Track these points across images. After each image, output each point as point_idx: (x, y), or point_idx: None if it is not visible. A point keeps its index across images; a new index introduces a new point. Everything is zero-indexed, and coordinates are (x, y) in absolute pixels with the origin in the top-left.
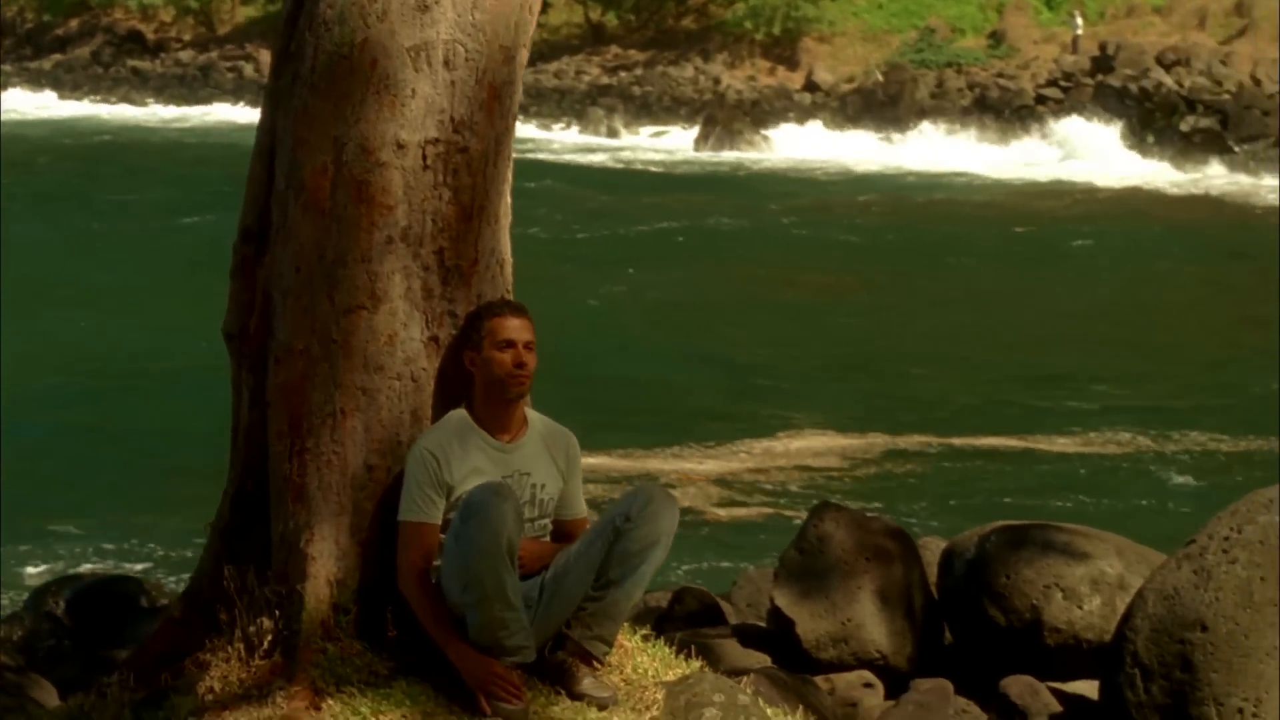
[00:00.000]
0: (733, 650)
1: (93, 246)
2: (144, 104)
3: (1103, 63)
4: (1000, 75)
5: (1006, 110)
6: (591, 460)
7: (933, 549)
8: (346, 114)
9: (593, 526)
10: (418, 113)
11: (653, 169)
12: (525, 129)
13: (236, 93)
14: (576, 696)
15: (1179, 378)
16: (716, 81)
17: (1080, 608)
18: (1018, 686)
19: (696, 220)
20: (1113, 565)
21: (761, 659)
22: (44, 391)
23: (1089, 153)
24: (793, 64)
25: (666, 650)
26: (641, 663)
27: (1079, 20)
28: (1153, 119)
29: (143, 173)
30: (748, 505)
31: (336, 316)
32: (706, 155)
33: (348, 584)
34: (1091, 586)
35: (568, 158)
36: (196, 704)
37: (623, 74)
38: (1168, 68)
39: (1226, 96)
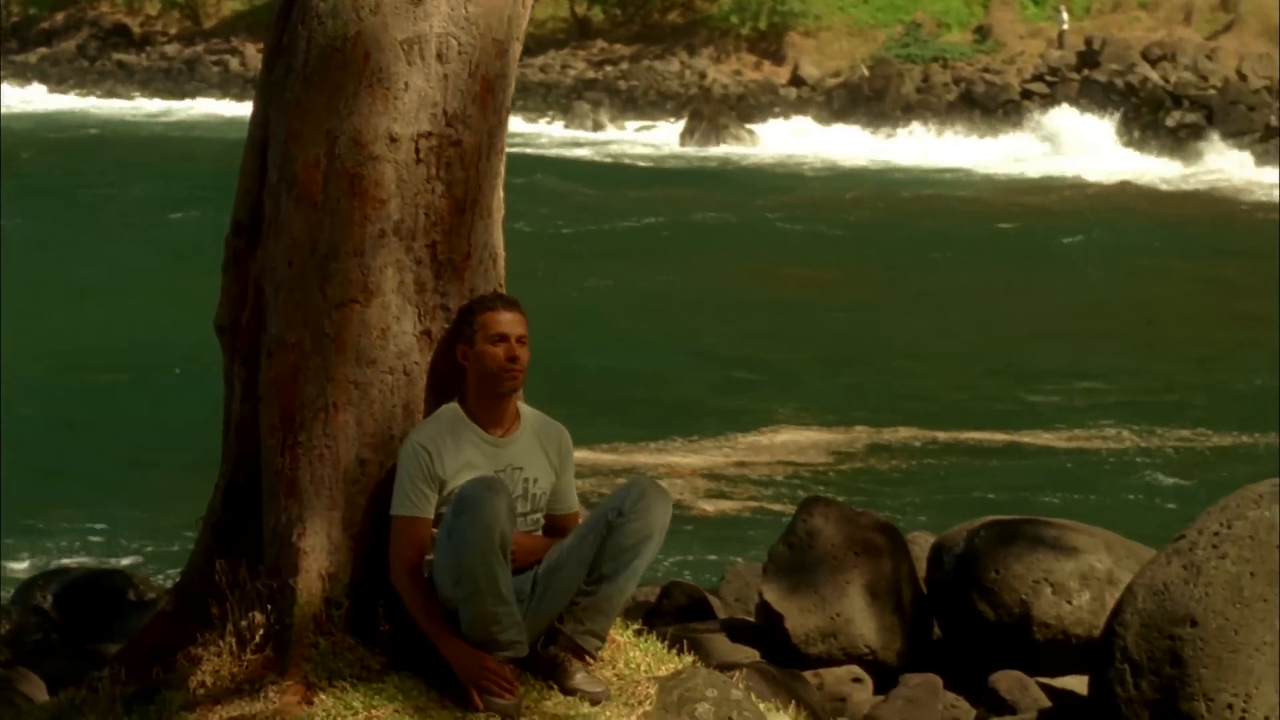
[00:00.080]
0: (721, 645)
1: (79, 240)
2: (130, 98)
3: (1088, 58)
4: (986, 70)
5: (992, 105)
6: (576, 454)
7: (921, 544)
8: (339, 107)
9: (585, 521)
10: (410, 106)
11: (638, 163)
12: (511, 123)
13: (222, 87)
14: (569, 691)
15: (1167, 372)
16: (702, 76)
17: (1069, 603)
18: (1007, 681)
19: (682, 215)
20: (1102, 560)
21: (750, 654)
22: (32, 385)
23: (1075, 148)
24: (778, 58)
25: (659, 645)
26: (634, 658)
27: (1065, 15)
28: (1138, 114)
29: (129, 167)
30: (734, 499)
31: (329, 310)
32: (692, 150)
33: (340, 578)
34: (1081, 581)
35: (553, 152)
36: (188, 698)
37: (608, 68)
38: (1153, 63)
39: (1212, 92)
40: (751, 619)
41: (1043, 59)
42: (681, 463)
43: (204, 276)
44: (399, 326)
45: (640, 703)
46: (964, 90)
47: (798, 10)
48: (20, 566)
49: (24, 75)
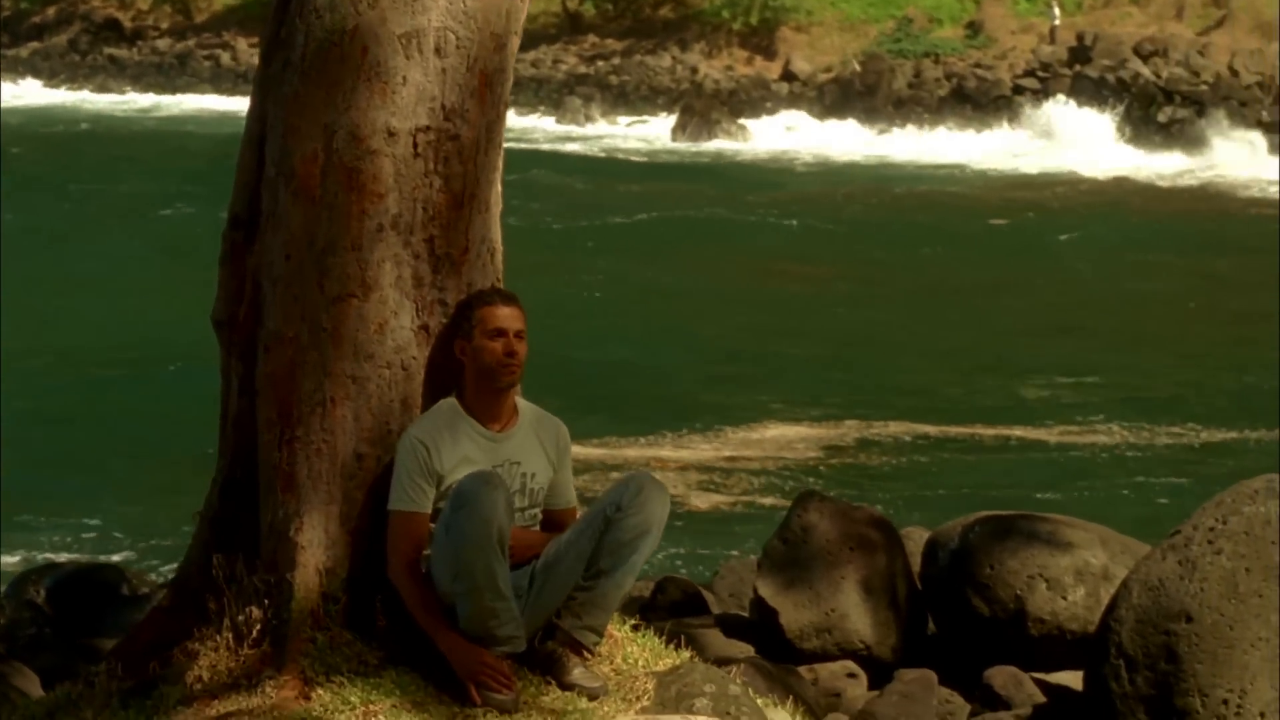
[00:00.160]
0: (716, 640)
1: (72, 234)
2: (121, 92)
3: (1080, 53)
4: (978, 65)
5: (984, 100)
6: None
7: (916, 539)
8: (337, 101)
9: (583, 516)
10: (409, 100)
11: (630, 159)
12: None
13: (214, 81)
14: (567, 686)
15: (1160, 368)
16: (694, 71)
17: (1064, 598)
18: (1001, 677)
19: (674, 210)
20: (1097, 556)
21: (745, 649)
22: (25, 379)
23: (1066, 143)
24: (770, 54)
25: (656, 640)
26: (631, 653)
27: (1056, 11)
28: (1130, 110)
29: (121, 161)
30: (725, 494)
31: (326, 304)
32: (684, 145)
33: (337, 573)
34: (1075, 577)
35: (545, 147)
36: (185, 693)
37: (600, 63)
38: (1145, 58)
39: (1204, 87)
40: (746, 614)
41: (1034, 54)
42: (672, 457)
43: (200, 270)
44: (397, 321)
45: (638, 698)
46: (955, 86)
47: (789, 5)
48: (13, 560)
49: (16, 69)
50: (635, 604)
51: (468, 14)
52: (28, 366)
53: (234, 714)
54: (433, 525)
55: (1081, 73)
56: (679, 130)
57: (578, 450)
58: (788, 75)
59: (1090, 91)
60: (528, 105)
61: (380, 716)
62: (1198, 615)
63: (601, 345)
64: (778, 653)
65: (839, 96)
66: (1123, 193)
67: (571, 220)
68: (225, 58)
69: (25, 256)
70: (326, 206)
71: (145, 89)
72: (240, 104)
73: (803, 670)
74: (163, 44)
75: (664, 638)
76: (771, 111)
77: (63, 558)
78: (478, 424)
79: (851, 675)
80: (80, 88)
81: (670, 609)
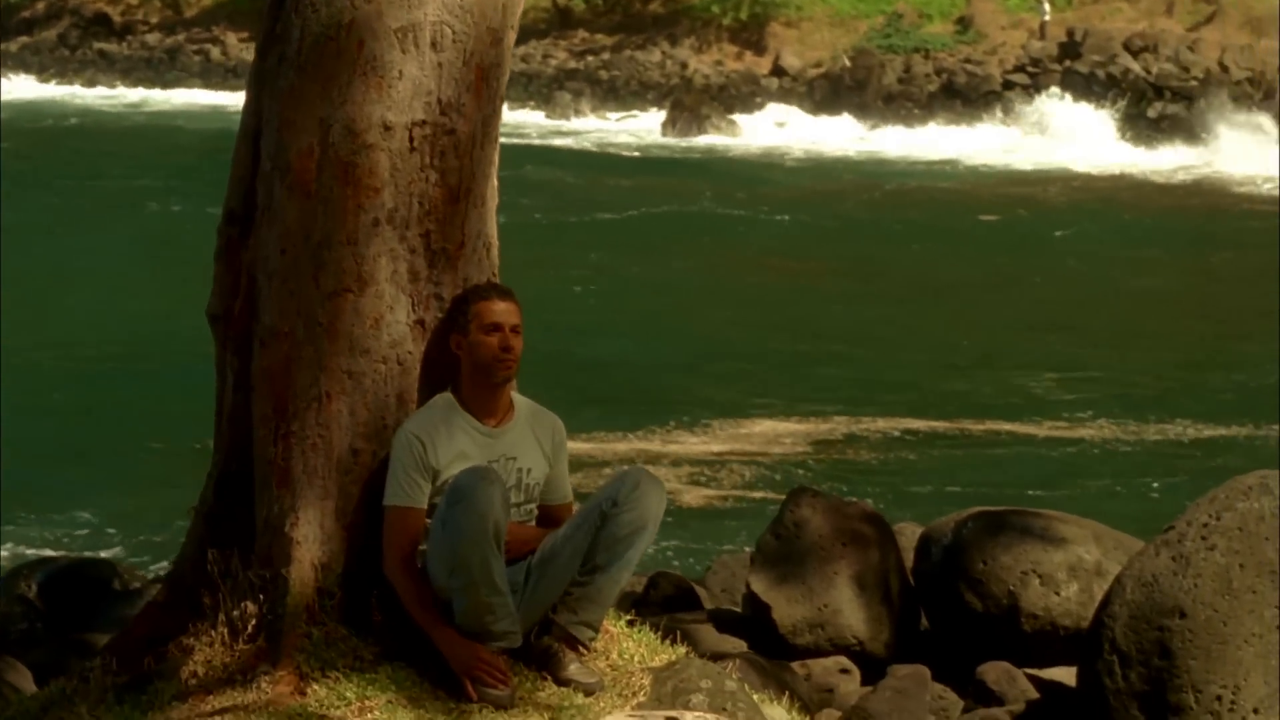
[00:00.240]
0: (709, 635)
1: (62, 229)
2: (111, 86)
3: (1070, 49)
4: (968, 61)
5: (974, 96)
6: None
7: (909, 535)
8: (333, 95)
9: (579, 511)
10: (405, 95)
11: (621, 153)
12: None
13: (203, 76)
14: (563, 682)
15: (1153, 364)
16: (684, 66)
17: (1057, 594)
18: (995, 673)
19: (664, 205)
20: (1090, 551)
21: (738, 644)
22: (18, 373)
23: (1058, 139)
24: (760, 49)
25: (652, 636)
26: (627, 648)
27: (1046, 6)
28: (1120, 105)
29: (111, 156)
30: (717, 489)
31: (322, 299)
32: (674, 140)
33: (332, 568)
34: (1069, 573)
35: (536, 142)
36: (180, 688)
37: (590, 58)
38: (1135, 54)
39: (1194, 83)
40: (738, 609)
41: (1024, 50)
42: (663, 452)
43: (193, 265)
44: (392, 316)
45: (634, 693)
46: (945, 81)
47: (779, 1)
48: (4, 554)
49: (5, 64)
50: (628, 599)
51: (464, 8)
52: (20, 361)
53: (229, 709)
54: (428, 520)
55: (1071, 68)
56: (669, 125)
57: (569, 445)
58: (778, 70)
59: (1080, 87)
60: (518, 100)
61: (375, 712)
62: (1191, 611)
63: (591, 340)
64: (771, 648)
65: (829, 92)
66: (1114, 188)
67: (561, 215)
68: (215, 52)
69: (14, 251)
70: (322, 201)
71: (135, 84)
72: (230, 98)
73: (796, 666)
74: (152, 39)
75: (659, 633)
76: (761, 107)
77: (55, 552)
78: (473, 419)
79: (844, 671)
80: (70, 82)
81: (663, 604)
